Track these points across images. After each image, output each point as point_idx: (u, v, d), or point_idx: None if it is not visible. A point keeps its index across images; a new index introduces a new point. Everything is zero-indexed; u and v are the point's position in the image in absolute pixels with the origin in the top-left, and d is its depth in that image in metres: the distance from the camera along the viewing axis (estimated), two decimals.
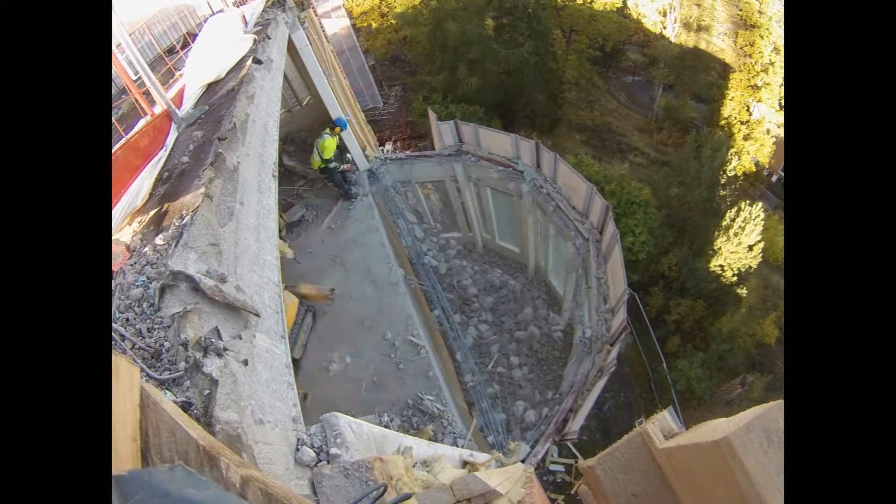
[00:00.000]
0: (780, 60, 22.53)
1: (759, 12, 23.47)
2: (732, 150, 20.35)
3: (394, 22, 24.48)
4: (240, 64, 6.28)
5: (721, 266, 17.43)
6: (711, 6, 24.40)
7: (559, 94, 24.75)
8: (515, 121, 22.88)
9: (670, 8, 27.11)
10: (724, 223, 16.96)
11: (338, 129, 10.45)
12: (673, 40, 26.36)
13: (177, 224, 3.21)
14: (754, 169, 23.73)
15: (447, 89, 21.12)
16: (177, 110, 5.14)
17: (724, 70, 25.94)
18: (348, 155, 11.59)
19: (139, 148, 4.31)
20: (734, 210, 16.99)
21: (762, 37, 23.18)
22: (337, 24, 22.45)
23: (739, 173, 21.56)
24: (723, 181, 17.96)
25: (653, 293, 17.30)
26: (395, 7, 22.99)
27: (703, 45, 25.36)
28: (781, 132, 22.98)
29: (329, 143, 10.20)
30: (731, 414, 2.03)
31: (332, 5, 22.31)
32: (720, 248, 17.11)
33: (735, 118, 23.88)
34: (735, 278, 17.43)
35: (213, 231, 3.23)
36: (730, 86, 23.61)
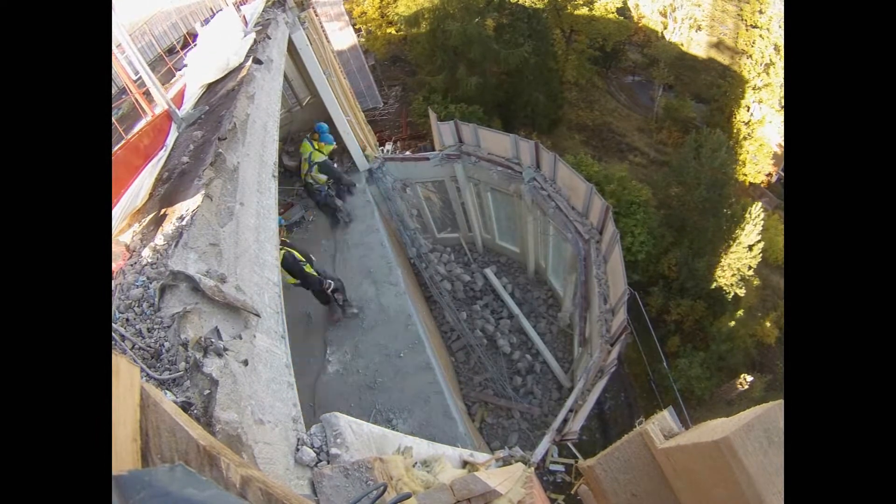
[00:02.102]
0: (780, 60, 22.57)
1: (760, 12, 23.49)
2: (739, 159, 20.44)
3: (394, 30, 24.53)
4: (240, 65, 6.29)
5: (721, 267, 17.49)
6: (748, 34, 24.28)
7: (559, 95, 24.76)
8: (515, 121, 22.88)
9: (671, 8, 27.11)
10: (740, 234, 17.02)
11: (315, 136, 9.41)
12: (701, 55, 26.27)
13: (177, 224, 3.21)
14: (766, 180, 23.82)
15: (447, 89, 21.13)
16: (177, 110, 5.14)
17: (724, 71, 25.97)
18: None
19: (139, 148, 4.31)
20: (748, 216, 17.04)
21: (762, 37, 23.22)
22: (337, 26, 22.45)
23: (741, 177, 21.65)
24: (728, 185, 17.99)
25: (653, 293, 17.32)
26: (398, 9, 22.98)
27: (735, 68, 25.25)
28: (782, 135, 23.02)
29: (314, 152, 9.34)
30: (731, 414, 2.03)
31: (333, 5, 22.30)
32: (725, 254, 17.18)
33: (737, 119, 23.95)
34: (734, 278, 17.48)
35: (213, 231, 3.23)
36: (745, 94, 23.60)
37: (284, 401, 2.82)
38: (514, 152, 10.88)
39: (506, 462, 5.56)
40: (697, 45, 26.91)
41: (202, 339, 2.42)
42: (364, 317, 9.07)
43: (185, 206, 3.38)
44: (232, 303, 2.78)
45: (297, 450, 2.42)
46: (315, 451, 2.43)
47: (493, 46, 19.73)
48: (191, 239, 3.05)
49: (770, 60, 23.05)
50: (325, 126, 9.92)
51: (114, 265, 3.05)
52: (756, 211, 17.30)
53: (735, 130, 23.41)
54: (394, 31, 25.11)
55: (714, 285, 17.48)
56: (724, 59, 25.97)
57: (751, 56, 23.80)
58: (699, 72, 27.08)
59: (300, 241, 10.77)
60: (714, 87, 26.20)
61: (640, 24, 29.79)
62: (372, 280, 9.86)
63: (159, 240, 3.13)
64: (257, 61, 6.21)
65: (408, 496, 1.86)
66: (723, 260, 17.41)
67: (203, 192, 3.44)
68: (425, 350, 8.79)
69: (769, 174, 24.52)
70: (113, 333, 2.40)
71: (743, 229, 17.09)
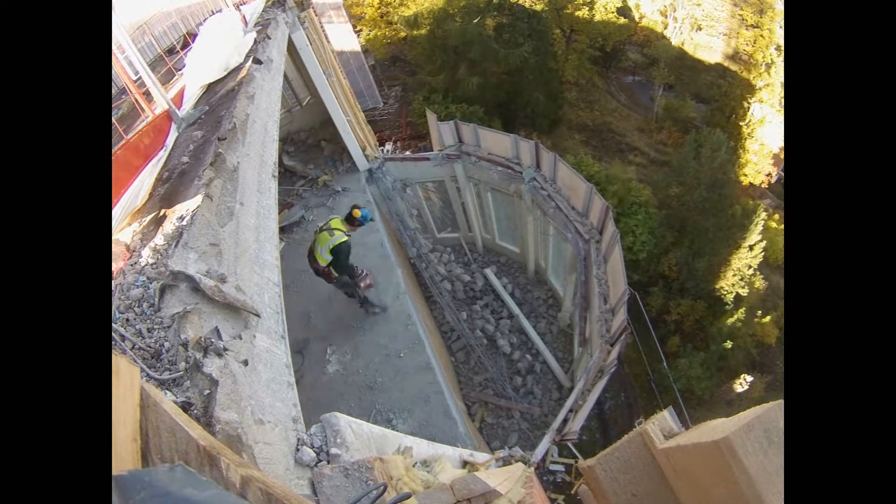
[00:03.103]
0: (780, 60, 22.58)
1: (760, 12, 23.51)
2: (741, 159, 20.47)
3: (393, 31, 24.56)
4: (239, 64, 6.29)
5: (724, 269, 17.53)
6: (748, 34, 24.15)
7: (559, 94, 24.75)
8: (515, 121, 22.88)
9: (671, 8, 27.07)
10: (747, 237, 17.04)
11: (357, 223, 7.41)
12: (709, 60, 26.19)
13: (177, 224, 3.21)
14: (766, 181, 23.85)
15: (447, 89, 21.13)
16: (177, 110, 5.14)
17: (724, 71, 25.99)
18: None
19: (139, 148, 4.31)
20: (754, 218, 17.06)
21: (762, 36, 23.23)
22: (337, 26, 22.44)
23: (741, 178, 21.69)
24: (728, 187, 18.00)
25: (653, 293, 17.33)
26: (398, 9, 22.97)
27: (742, 73, 25.16)
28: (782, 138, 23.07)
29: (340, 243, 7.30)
30: (731, 414, 2.03)
31: (333, 5, 22.29)
32: (729, 257, 17.20)
33: (743, 119, 23.95)
34: (735, 278, 17.50)
35: (213, 231, 3.23)
36: (753, 94, 23.53)
37: (284, 401, 2.82)
38: (514, 152, 10.88)
39: (506, 462, 5.56)
40: (704, 50, 26.87)
41: (202, 339, 2.42)
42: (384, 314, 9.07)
43: (186, 206, 3.38)
44: (232, 303, 2.78)
45: (297, 450, 2.42)
46: (315, 451, 2.43)
47: (492, 46, 19.73)
48: (191, 239, 3.05)
49: (770, 60, 23.06)
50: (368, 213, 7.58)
51: (114, 265, 3.05)
52: (759, 212, 17.38)
53: (737, 131, 23.43)
54: (393, 32, 25.13)
55: (717, 285, 17.51)
56: (737, 67, 25.90)
57: (751, 56, 23.84)
58: (699, 72, 27.11)
59: (300, 241, 10.79)
60: (714, 87, 26.23)
61: (640, 24, 29.80)
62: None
63: (159, 240, 3.13)
64: (257, 61, 6.21)
65: (408, 496, 1.86)
66: (728, 262, 17.44)
67: (203, 192, 3.43)
68: (425, 350, 8.79)
69: (769, 174, 24.52)
70: (113, 333, 2.40)
71: (750, 232, 17.13)
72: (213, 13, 9.90)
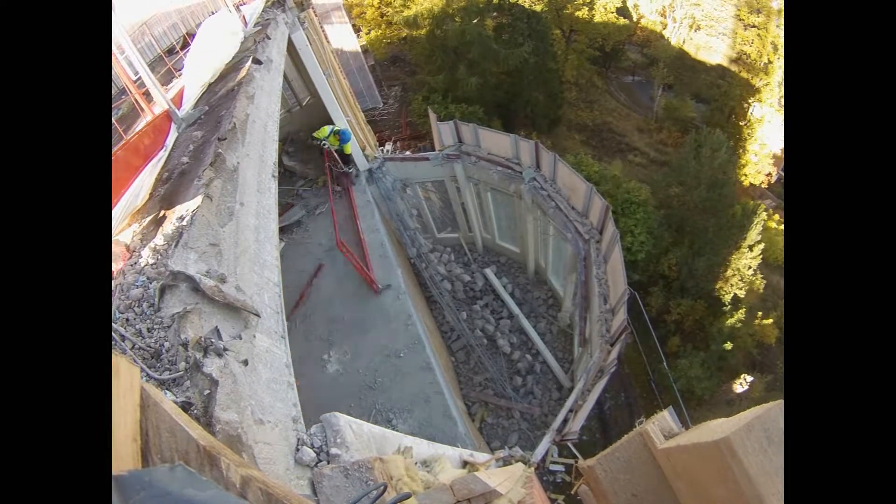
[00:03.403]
0: (778, 60, 22.54)
1: (758, 10, 23.50)
2: (742, 159, 20.42)
3: (393, 31, 24.52)
4: (239, 64, 6.28)
5: (725, 270, 17.50)
6: (746, 34, 24.00)
7: (559, 94, 24.72)
8: (515, 121, 22.86)
9: (669, 8, 27.04)
10: (748, 237, 17.01)
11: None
12: (711, 62, 26.09)
13: (177, 224, 3.21)
14: (766, 180, 23.81)
15: (447, 89, 21.09)
16: (177, 110, 5.14)
17: (724, 71, 25.97)
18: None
19: (139, 148, 4.30)
20: (755, 218, 17.03)
21: (759, 36, 23.21)
22: (337, 26, 22.42)
23: (741, 178, 21.65)
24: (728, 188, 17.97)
25: (653, 293, 17.28)
26: (403, 11, 22.89)
27: (743, 74, 25.05)
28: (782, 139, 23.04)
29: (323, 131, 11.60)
30: (731, 414, 2.03)
31: (332, 5, 22.28)
32: (730, 258, 17.16)
33: (744, 119, 23.90)
34: (735, 278, 17.47)
35: (213, 231, 3.23)
36: (758, 94, 23.45)
37: (284, 401, 2.82)
38: (514, 152, 10.88)
39: (506, 462, 5.56)
40: (705, 50, 26.80)
41: (202, 339, 2.42)
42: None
43: (186, 207, 3.38)
44: (232, 303, 2.77)
45: (297, 450, 2.42)
46: (315, 451, 2.43)
47: (492, 46, 19.72)
48: (191, 239, 3.05)
49: (768, 60, 23.05)
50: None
51: (114, 265, 3.04)
52: (759, 212, 17.36)
53: (737, 132, 23.39)
54: (394, 32, 25.10)
55: (717, 285, 17.48)
56: (737, 67, 25.79)
57: (751, 56, 23.82)
58: (699, 72, 27.08)
59: (300, 241, 10.80)
60: (714, 87, 26.19)
61: (639, 24, 29.78)
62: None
63: (159, 240, 3.13)
64: (257, 61, 6.21)
65: (408, 496, 1.86)
66: (728, 262, 17.40)
67: (203, 192, 3.43)
68: (425, 350, 8.79)
69: (769, 174, 24.49)
70: (113, 333, 2.40)
71: (750, 232, 17.09)
72: (213, 13, 9.89)
